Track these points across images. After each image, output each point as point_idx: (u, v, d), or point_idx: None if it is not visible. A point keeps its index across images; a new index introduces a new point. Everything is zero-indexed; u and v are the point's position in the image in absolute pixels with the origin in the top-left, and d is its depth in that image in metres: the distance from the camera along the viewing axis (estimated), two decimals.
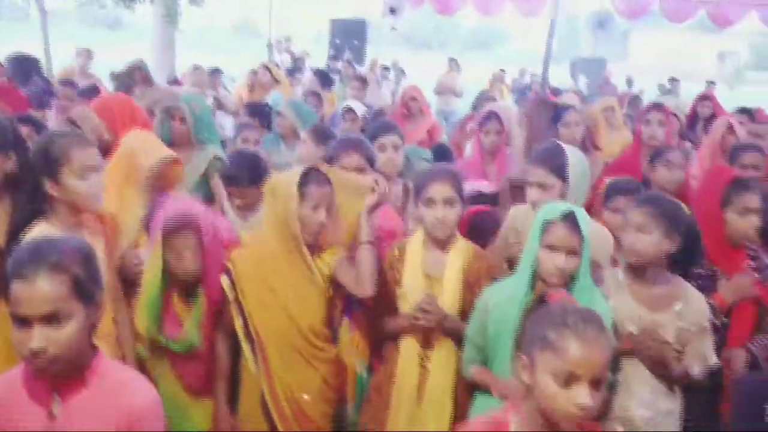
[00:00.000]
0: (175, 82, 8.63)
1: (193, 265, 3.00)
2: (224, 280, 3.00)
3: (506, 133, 4.90)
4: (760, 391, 2.19)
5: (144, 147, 3.41)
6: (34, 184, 2.73)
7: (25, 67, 6.70)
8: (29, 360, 1.86)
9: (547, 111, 5.12)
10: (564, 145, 3.25)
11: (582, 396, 1.82)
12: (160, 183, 3.34)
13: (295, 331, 2.97)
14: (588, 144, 4.87)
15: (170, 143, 4.12)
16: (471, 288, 3.03)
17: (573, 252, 2.64)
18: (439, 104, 12.58)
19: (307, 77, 11.34)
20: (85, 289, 1.92)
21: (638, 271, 2.89)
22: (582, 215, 2.69)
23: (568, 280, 2.67)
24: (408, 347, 3.02)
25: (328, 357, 3.07)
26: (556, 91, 8.63)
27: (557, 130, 4.82)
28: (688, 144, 6.22)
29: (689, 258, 2.91)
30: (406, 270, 3.05)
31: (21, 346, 1.84)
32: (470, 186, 4.44)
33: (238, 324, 2.99)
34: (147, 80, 7.13)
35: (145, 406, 2.01)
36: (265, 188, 3.10)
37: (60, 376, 1.93)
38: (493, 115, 5.00)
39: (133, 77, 6.92)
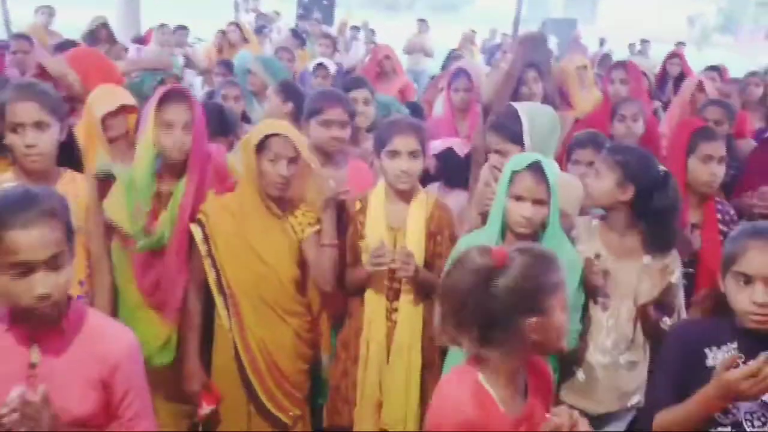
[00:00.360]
0: (139, 41, 8.45)
1: (182, 139, 2.95)
2: (197, 232, 2.97)
3: (476, 90, 4.89)
4: (698, 336, 2.21)
5: (99, 98, 3.36)
6: None
7: None
8: (32, 306, 1.86)
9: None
10: (523, 106, 3.24)
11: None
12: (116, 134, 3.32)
13: (268, 283, 2.98)
14: (558, 101, 4.86)
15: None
16: (434, 238, 3.06)
17: (540, 201, 2.67)
18: (409, 64, 12.51)
19: (282, 36, 11.22)
20: (72, 236, 1.95)
21: (604, 217, 2.96)
22: (549, 165, 2.72)
23: (537, 229, 2.70)
24: (373, 300, 3.03)
25: (301, 311, 3.08)
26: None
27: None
28: (657, 103, 6.24)
29: (657, 212, 2.87)
30: (368, 222, 3.05)
31: (24, 293, 1.84)
32: (441, 143, 4.46)
33: (211, 277, 2.98)
34: (111, 39, 7.03)
35: (123, 351, 2.04)
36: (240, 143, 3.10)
37: (39, 326, 1.93)
38: (462, 72, 4.97)
39: (98, 35, 6.81)
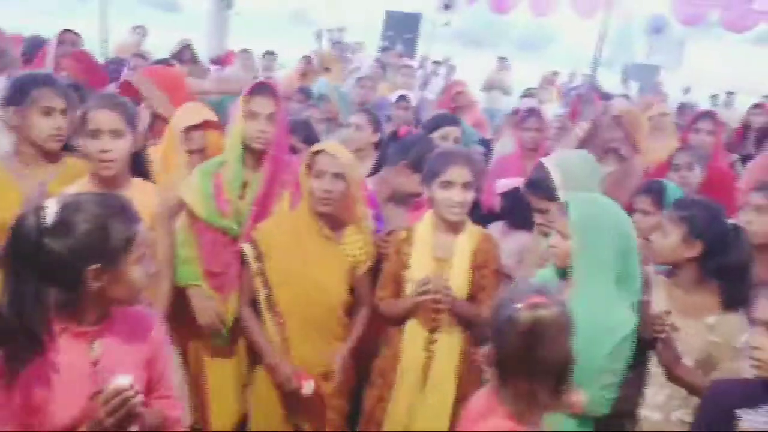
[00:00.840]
0: (218, 62, 8.69)
1: (265, 128, 3.09)
2: (249, 250, 3.02)
3: (546, 131, 4.87)
4: (731, 397, 2.15)
5: (185, 112, 3.55)
6: None
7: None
8: (142, 290, 2.06)
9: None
10: (551, 159, 3.21)
11: None
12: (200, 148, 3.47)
13: (317, 305, 3.01)
14: (626, 148, 4.79)
15: None
16: (480, 271, 3.05)
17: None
18: (487, 102, 12.51)
19: (365, 66, 11.41)
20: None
21: (671, 273, 2.88)
22: (576, 203, 2.68)
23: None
24: (413, 329, 3.05)
25: (345, 335, 3.10)
26: (605, 95, 8.50)
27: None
28: (734, 156, 6.09)
29: (729, 269, 2.78)
30: (414, 253, 3.06)
31: (145, 277, 2.03)
32: (508, 182, 4.43)
33: (262, 295, 3.02)
34: (195, 59, 7.29)
35: (161, 331, 2.22)
36: None
37: (93, 322, 2.02)
38: (533, 112, 4.97)
39: (181, 57, 7.05)
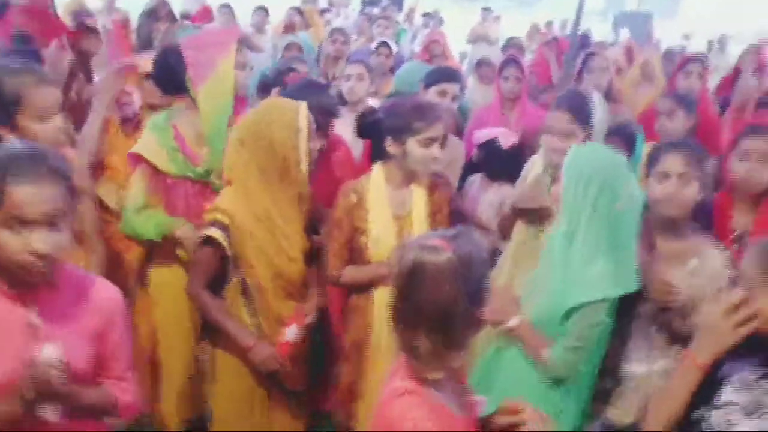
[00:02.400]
0: (187, 18, 8.43)
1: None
2: (220, 236, 2.81)
3: (526, 80, 4.71)
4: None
5: None
6: None
7: None
8: (30, 263, 1.82)
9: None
10: (592, 93, 3.12)
11: None
12: None
13: (293, 268, 2.90)
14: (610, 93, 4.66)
15: None
16: (435, 217, 2.96)
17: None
18: (473, 53, 12.30)
19: (350, 20, 11.24)
20: (73, 198, 1.91)
21: (666, 224, 2.70)
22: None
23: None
24: (383, 296, 2.88)
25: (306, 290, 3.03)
26: (587, 43, 8.27)
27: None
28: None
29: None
30: (371, 214, 2.94)
31: (21, 249, 1.80)
32: (487, 132, 4.29)
33: (236, 279, 2.87)
34: (171, 16, 7.07)
35: (116, 303, 2.07)
36: None
37: (33, 285, 1.90)
38: (512, 61, 4.82)
39: (159, 13, 6.85)
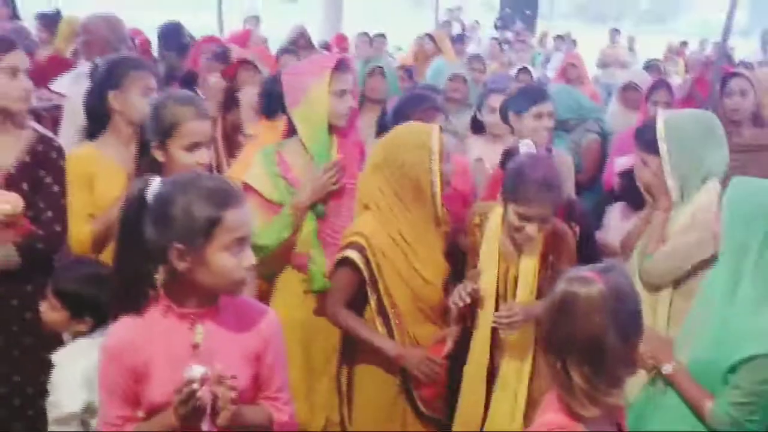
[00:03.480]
0: (326, 47, 8.69)
1: (350, 104, 3.14)
2: (357, 258, 2.83)
3: (676, 104, 4.55)
4: None
5: None
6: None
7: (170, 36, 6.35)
8: (244, 280, 1.99)
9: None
10: (666, 112, 2.97)
11: None
12: None
13: (427, 292, 2.89)
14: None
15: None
16: (547, 263, 2.89)
17: None
18: (603, 77, 12.00)
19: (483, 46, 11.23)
20: None
21: None
22: None
23: None
24: (483, 329, 2.86)
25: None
26: (745, 64, 7.89)
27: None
28: None
29: None
30: (483, 243, 2.90)
31: (238, 268, 1.94)
32: (628, 160, 4.14)
33: (373, 300, 2.88)
34: (309, 45, 7.34)
35: (274, 325, 2.12)
36: None
37: (198, 306, 1.99)
38: (662, 84, 4.67)
39: (297, 43, 7.10)
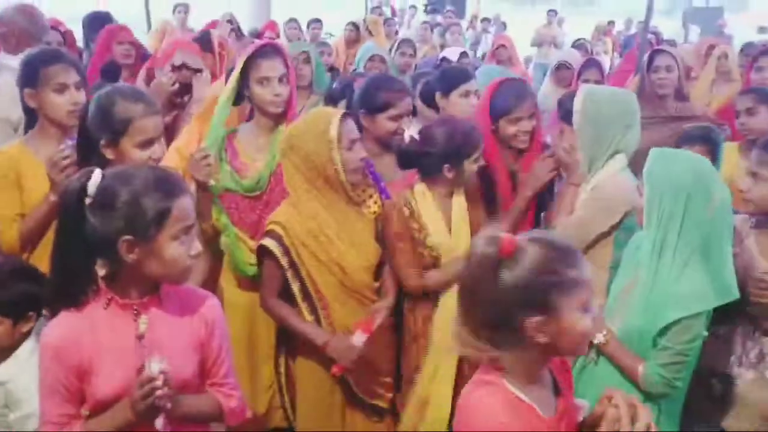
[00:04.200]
0: (257, 34, 8.60)
1: (279, 91, 3.05)
2: (274, 246, 2.83)
3: (606, 82, 4.66)
4: None
5: None
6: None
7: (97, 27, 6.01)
8: (189, 269, 1.96)
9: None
10: (585, 89, 3.03)
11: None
12: None
13: (354, 274, 2.89)
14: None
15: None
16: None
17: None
18: (537, 57, 12.21)
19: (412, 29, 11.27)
20: None
21: (759, 220, 2.70)
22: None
23: None
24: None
25: (376, 296, 3.00)
26: (669, 42, 8.09)
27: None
28: None
29: None
30: (426, 221, 2.97)
31: (186, 255, 1.93)
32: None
33: (296, 286, 2.88)
34: (239, 34, 7.26)
35: (216, 310, 2.11)
36: None
37: (140, 296, 1.97)
38: (593, 63, 4.78)
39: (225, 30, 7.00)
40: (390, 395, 3.07)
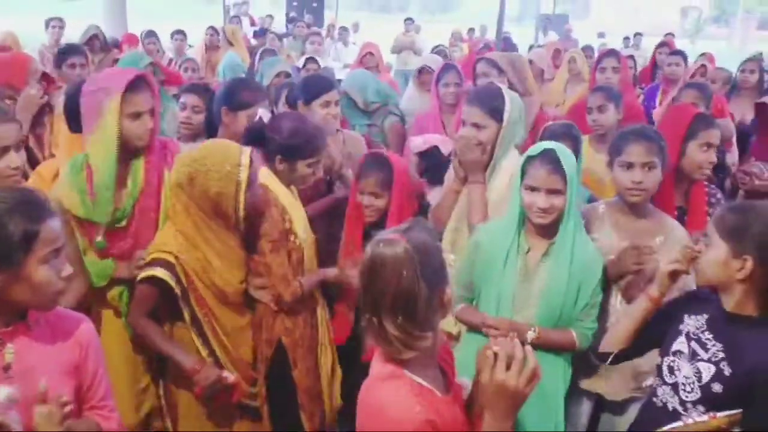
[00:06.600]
0: (116, 46, 8.35)
1: (150, 125, 2.88)
2: (166, 276, 2.78)
3: (465, 85, 4.81)
4: (680, 304, 2.46)
5: None
6: None
7: None
8: (60, 292, 1.91)
9: None
10: (503, 88, 3.21)
11: None
12: None
13: (230, 292, 2.93)
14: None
15: None
16: None
17: (554, 191, 2.60)
18: (398, 64, 12.46)
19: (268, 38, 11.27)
20: None
21: (631, 206, 2.88)
22: (564, 153, 2.63)
23: (556, 219, 2.64)
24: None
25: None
26: (513, 48, 8.52)
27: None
28: (638, 90, 6.23)
29: None
30: (284, 202, 3.08)
31: (56, 278, 1.88)
32: (424, 142, 4.36)
33: (187, 314, 2.84)
34: (105, 47, 7.07)
35: (90, 333, 2.05)
36: None
37: (6, 324, 1.89)
38: (451, 67, 4.91)
39: (92, 47, 6.79)
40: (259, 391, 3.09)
